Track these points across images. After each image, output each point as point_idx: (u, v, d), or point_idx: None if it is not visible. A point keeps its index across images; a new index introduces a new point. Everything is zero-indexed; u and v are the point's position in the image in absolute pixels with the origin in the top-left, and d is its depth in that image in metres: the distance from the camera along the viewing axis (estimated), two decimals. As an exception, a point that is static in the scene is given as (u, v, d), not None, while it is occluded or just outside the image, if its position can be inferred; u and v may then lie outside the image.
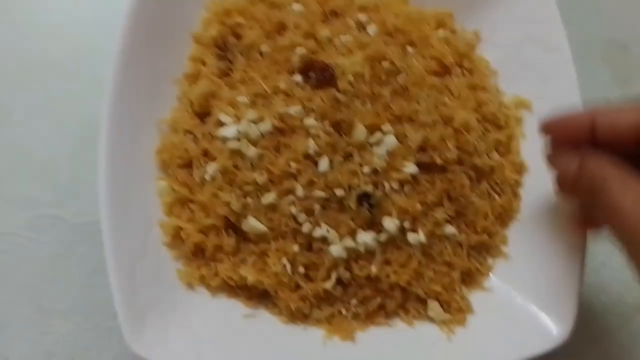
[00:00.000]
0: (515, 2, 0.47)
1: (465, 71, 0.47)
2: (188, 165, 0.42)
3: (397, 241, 0.41)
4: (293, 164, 0.40)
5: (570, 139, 0.37)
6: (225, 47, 0.44)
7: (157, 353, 0.37)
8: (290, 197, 0.40)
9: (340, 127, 0.41)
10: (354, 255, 0.41)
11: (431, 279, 0.42)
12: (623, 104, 0.36)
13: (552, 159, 0.39)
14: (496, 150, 0.46)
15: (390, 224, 0.41)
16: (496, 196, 0.45)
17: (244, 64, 0.44)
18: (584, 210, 0.40)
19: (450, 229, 0.43)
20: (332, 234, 0.40)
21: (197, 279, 0.41)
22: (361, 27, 0.46)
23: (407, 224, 0.41)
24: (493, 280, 0.44)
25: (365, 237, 0.40)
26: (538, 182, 0.46)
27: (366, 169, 0.41)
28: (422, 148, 0.42)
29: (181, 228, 0.41)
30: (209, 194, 0.41)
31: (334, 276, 0.41)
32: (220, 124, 0.41)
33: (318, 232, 0.40)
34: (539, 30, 0.46)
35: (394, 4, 0.48)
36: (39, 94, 0.51)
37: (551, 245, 0.43)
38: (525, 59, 0.47)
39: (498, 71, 0.48)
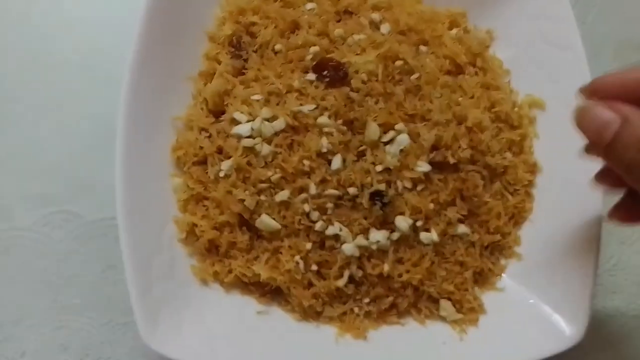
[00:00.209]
0: (528, 1, 0.47)
1: (478, 70, 0.47)
2: (203, 162, 0.43)
3: (409, 240, 0.42)
4: (306, 162, 0.40)
5: (617, 97, 0.32)
6: (239, 46, 0.45)
7: (171, 348, 0.38)
8: (304, 195, 0.40)
9: (353, 126, 0.42)
10: (366, 254, 0.41)
11: (444, 278, 0.42)
12: None
13: (587, 115, 0.33)
14: (509, 150, 0.46)
15: (402, 222, 0.41)
16: (509, 196, 0.45)
17: (258, 63, 0.44)
18: (612, 173, 0.36)
19: (462, 229, 0.43)
20: (344, 232, 0.40)
21: (211, 275, 0.41)
22: (374, 26, 0.46)
23: (419, 223, 0.41)
24: (506, 280, 0.44)
25: (378, 236, 0.41)
26: (551, 182, 0.46)
27: (379, 168, 0.41)
28: (435, 147, 0.42)
29: (195, 225, 0.41)
30: (223, 191, 0.41)
31: (346, 274, 0.41)
32: (235, 122, 0.42)
33: (331, 230, 0.40)
34: (552, 28, 0.46)
35: (407, 3, 0.48)
36: (54, 92, 0.52)
37: (564, 245, 0.43)
38: (538, 57, 0.47)
39: (511, 70, 0.48)
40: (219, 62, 0.45)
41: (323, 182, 0.41)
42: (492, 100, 0.46)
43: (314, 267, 0.41)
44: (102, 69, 0.51)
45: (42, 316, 0.47)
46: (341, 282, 0.41)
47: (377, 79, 0.42)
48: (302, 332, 0.41)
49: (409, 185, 0.41)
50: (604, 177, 0.38)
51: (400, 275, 0.41)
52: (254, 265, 0.41)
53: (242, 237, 0.41)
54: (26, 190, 0.49)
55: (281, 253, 0.41)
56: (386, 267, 0.41)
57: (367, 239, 0.41)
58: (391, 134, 0.41)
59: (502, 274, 0.44)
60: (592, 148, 0.36)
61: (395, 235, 0.41)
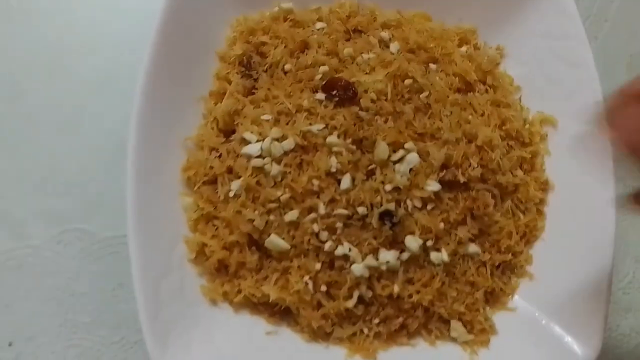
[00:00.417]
0: (539, 17, 0.47)
1: (488, 88, 0.47)
2: (213, 182, 0.43)
3: (419, 260, 0.41)
4: (315, 182, 0.40)
5: None
6: (249, 66, 0.45)
7: (180, 368, 0.38)
8: (313, 215, 0.40)
9: (363, 145, 0.42)
10: (376, 274, 0.41)
11: (454, 298, 0.42)
12: None
13: (621, 114, 0.32)
14: (520, 168, 0.45)
15: (412, 242, 0.40)
16: (520, 215, 0.45)
17: (268, 82, 0.44)
18: None
19: (473, 248, 0.42)
20: (354, 252, 0.40)
21: (220, 295, 0.41)
22: (384, 44, 0.46)
23: (429, 243, 0.41)
24: (517, 300, 0.44)
25: (388, 256, 0.40)
26: (563, 199, 0.45)
27: (388, 187, 0.41)
28: (445, 166, 0.42)
29: (205, 244, 0.41)
30: (233, 211, 0.41)
31: (355, 295, 0.41)
32: (245, 141, 0.42)
33: (340, 250, 0.40)
34: (563, 45, 0.46)
35: (416, 20, 0.48)
36: (68, 109, 0.52)
37: (577, 265, 0.42)
38: (549, 74, 0.47)
39: (522, 87, 0.48)
40: (230, 82, 0.45)
41: (332, 201, 0.40)
42: (503, 117, 0.46)
43: (323, 288, 0.40)
44: (118, 87, 0.52)
45: (53, 334, 0.47)
46: (351, 303, 0.40)
47: (387, 97, 0.42)
48: (312, 353, 0.41)
49: (418, 204, 0.41)
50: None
51: (410, 296, 0.41)
52: (263, 286, 0.41)
53: (252, 257, 0.41)
54: (40, 207, 0.50)
55: (290, 273, 0.41)
56: (396, 288, 0.41)
57: (377, 259, 0.40)
58: (401, 152, 0.41)
59: (514, 294, 0.44)
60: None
61: (405, 256, 0.41)
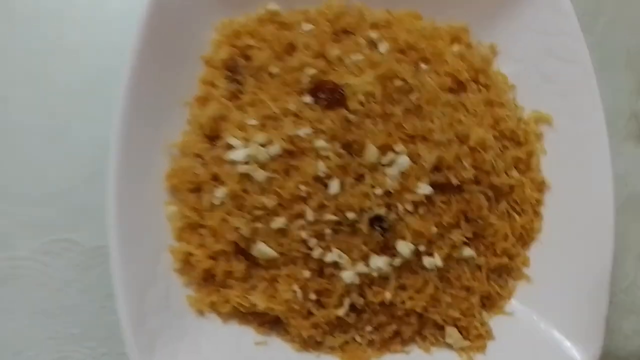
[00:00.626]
0: (532, 13, 0.46)
1: (481, 87, 0.46)
2: (198, 189, 0.42)
3: (412, 265, 0.40)
4: (303, 187, 0.39)
5: None
6: (235, 70, 0.44)
7: (166, 381, 0.37)
8: (301, 222, 0.39)
9: (352, 148, 0.40)
10: (367, 281, 0.40)
11: (449, 304, 0.41)
12: None
13: None
14: (515, 168, 0.44)
15: (404, 247, 0.39)
16: (516, 216, 0.43)
17: (253, 86, 0.43)
18: None
19: (468, 252, 0.41)
20: (344, 259, 0.39)
21: (207, 305, 0.41)
22: (372, 45, 0.45)
23: (422, 248, 0.40)
24: (514, 304, 0.43)
25: (379, 262, 0.39)
26: (560, 200, 0.44)
27: (378, 191, 0.40)
28: (436, 168, 0.41)
29: (191, 254, 0.40)
30: (218, 219, 0.40)
31: (346, 303, 0.40)
32: (230, 147, 0.41)
33: (329, 257, 0.39)
34: (557, 41, 0.45)
35: (406, 19, 0.47)
36: (55, 117, 0.51)
37: (575, 266, 0.41)
38: (544, 72, 0.45)
39: (516, 86, 0.47)
40: (215, 87, 0.44)
41: (321, 207, 0.39)
42: (496, 117, 0.44)
43: (313, 296, 0.39)
44: (104, 94, 0.51)
45: (42, 347, 0.46)
46: (342, 311, 0.39)
47: (376, 99, 0.41)
48: (302, 363, 0.40)
49: (410, 208, 0.40)
50: None
51: (403, 303, 0.40)
52: (251, 295, 0.40)
53: (239, 266, 0.40)
54: (25, 217, 0.49)
55: (278, 282, 0.40)
56: (388, 295, 0.39)
57: (368, 265, 0.39)
58: (391, 155, 0.40)
59: (511, 298, 0.43)
60: None
61: (397, 261, 0.40)
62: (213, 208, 0.40)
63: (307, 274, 0.39)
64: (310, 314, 0.40)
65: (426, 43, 0.45)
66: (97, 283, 0.47)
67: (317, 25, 0.45)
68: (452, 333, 0.41)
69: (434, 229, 0.40)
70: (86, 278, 0.48)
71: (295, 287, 0.39)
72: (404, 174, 0.40)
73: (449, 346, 0.41)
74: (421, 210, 0.40)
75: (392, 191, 0.40)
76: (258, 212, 0.39)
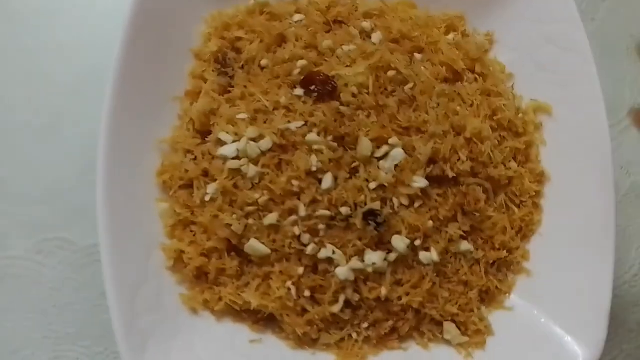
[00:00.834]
0: (530, 0, 0.45)
1: (477, 76, 0.44)
2: (189, 186, 0.41)
3: (408, 260, 0.39)
4: (295, 182, 0.38)
5: None
6: (225, 63, 0.43)
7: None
8: (293, 217, 0.38)
9: (345, 142, 0.40)
10: (362, 277, 0.39)
11: (446, 299, 0.40)
12: None
13: None
14: (514, 159, 0.43)
15: (399, 242, 0.38)
16: (515, 208, 0.42)
17: (244, 79, 0.42)
18: None
19: (465, 246, 0.40)
20: (338, 255, 0.38)
21: (200, 303, 0.40)
22: (365, 35, 0.44)
23: (418, 242, 0.39)
24: (514, 299, 0.42)
25: (374, 257, 0.38)
26: (560, 191, 0.43)
27: (373, 185, 0.39)
28: (432, 160, 0.40)
29: (183, 251, 0.40)
30: (210, 215, 0.39)
31: (341, 299, 0.39)
32: (221, 142, 0.40)
33: (323, 254, 0.38)
34: (556, 29, 0.44)
35: (400, 8, 0.46)
36: (48, 116, 0.51)
37: (577, 259, 0.40)
38: (542, 60, 0.44)
39: (514, 75, 0.46)
40: (205, 81, 0.43)
41: (313, 202, 0.39)
42: (494, 107, 0.43)
43: (307, 293, 0.39)
44: (98, 91, 0.50)
45: (37, 346, 0.46)
46: (336, 308, 0.39)
47: (368, 91, 0.40)
48: (298, 361, 0.39)
49: (405, 202, 0.39)
50: None
51: (399, 298, 0.39)
52: (244, 293, 0.39)
53: (231, 263, 0.39)
54: (19, 216, 0.48)
55: (272, 279, 0.39)
56: (384, 291, 0.39)
57: (363, 261, 0.39)
58: (385, 148, 0.39)
59: (511, 292, 0.42)
60: None
61: (393, 256, 0.39)
62: (204, 205, 0.40)
63: (300, 270, 0.39)
64: (304, 311, 0.39)
65: (420, 32, 0.44)
66: (92, 281, 0.47)
67: (308, 15, 0.44)
68: (450, 329, 0.40)
69: (430, 223, 0.39)
70: (80, 276, 0.47)
71: (289, 284, 0.38)
72: (398, 167, 0.39)
73: (448, 342, 0.40)
74: (417, 204, 0.39)
75: (386, 185, 0.39)
76: (250, 208, 0.39)
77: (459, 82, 0.44)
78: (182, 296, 0.40)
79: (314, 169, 0.39)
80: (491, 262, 0.41)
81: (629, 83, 0.53)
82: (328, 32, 0.44)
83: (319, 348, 0.40)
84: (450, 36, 0.45)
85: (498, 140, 0.43)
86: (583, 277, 0.40)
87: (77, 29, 0.53)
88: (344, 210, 0.38)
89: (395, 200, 0.39)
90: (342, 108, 0.40)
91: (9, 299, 0.47)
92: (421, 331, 0.41)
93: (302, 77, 0.41)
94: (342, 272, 0.38)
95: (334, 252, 0.38)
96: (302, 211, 0.38)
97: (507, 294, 0.42)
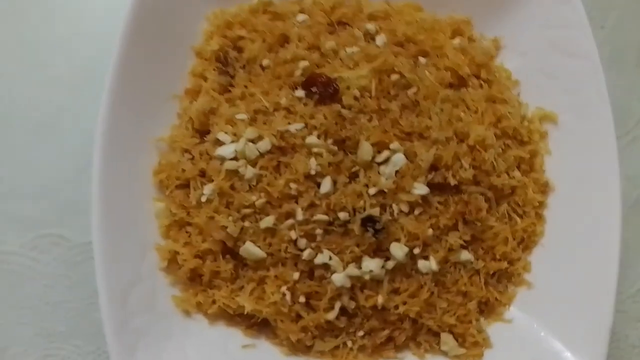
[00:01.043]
0: (538, 6, 0.44)
1: (483, 82, 0.44)
2: (186, 186, 0.41)
3: (406, 269, 0.39)
4: (293, 186, 0.38)
5: None
6: (226, 62, 0.42)
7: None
8: (290, 221, 0.38)
9: (345, 146, 0.39)
10: (359, 284, 0.38)
11: (444, 309, 0.39)
12: None
13: None
14: (518, 168, 0.43)
15: (398, 250, 0.38)
16: (518, 219, 0.42)
17: (245, 79, 0.42)
18: None
19: (465, 255, 0.39)
20: (334, 261, 0.38)
21: (193, 306, 0.39)
22: (369, 37, 0.43)
23: (417, 250, 0.38)
24: (514, 311, 0.41)
25: (371, 265, 0.38)
26: (565, 202, 0.42)
27: (372, 191, 0.38)
28: (433, 167, 0.39)
29: (177, 252, 0.39)
30: (205, 216, 0.39)
31: (337, 306, 0.38)
32: (219, 142, 0.39)
33: (320, 259, 0.38)
34: (564, 36, 0.43)
35: (406, 11, 0.45)
36: (47, 112, 0.50)
37: (579, 272, 0.39)
38: (550, 67, 0.44)
39: (520, 82, 0.45)
40: (206, 79, 0.43)
41: (311, 206, 0.38)
42: (498, 114, 0.42)
43: (302, 299, 0.38)
44: (95, 86, 0.50)
45: (28, 344, 0.45)
46: (332, 315, 0.38)
47: (371, 94, 0.40)
48: (291, 367, 0.39)
49: (405, 209, 0.38)
50: None
51: (396, 307, 0.38)
52: (238, 296, 0.38)
53: (226, 265, 0.39)
54: (14, 212, 0.48)
55: (266, 283, 0.38)
56: (380, 299, 0.38)
57: (360, 268, 0.38)
58: (386, 153, 0.39)
59: (510, 304, 0.41)
60: None
61: (390, 264, 0.38)
62: (200, 205, 0.39)
63: (296, 275, 0.38)
64: (299, 317, 0.38)
65: (426, 36, 0.43)
66: (86, 279, 0.46)
67: (311, 16, 0.43)
68: (447, 340, 0.39)
69: (430, 231, 0.38)
70: (74, 274, 0.47)
71: (284, 289, 0.38)
72: (399, 173, 0.38)
73: (444, 354, 0.40)
74: (417, 211, 0.39)
75: (386, 191, 0.38)
76: (246, 211, 0.38)
77: (464, 88, 0.43)
78: (175, 298, 0.39)
79: (312, 172, 0.38)
80: (491, 272, 0.41)
81: (638, 93, 0.52)
82: (332, 33, 0.43)
83: (313, 355, 0.39)
84: (456, 41, 0.45)
85: (502, 149, 0.42)
86: (585, 290, 0.39)
87: (77, 24, 0.52)
88: (342, 215, 0.38)
89: (395, 206, 0.38)
90: (344, 111, 0.39)
91: (1, 294, 0.46)
92: (418, 341, 0.40)
93: (303, 79, 0.40)
94: (339, 278, 0.38)
95: (330, 258, 0.38)
96: (300, 215, 0.38)
97: (507, 306, 0.41)
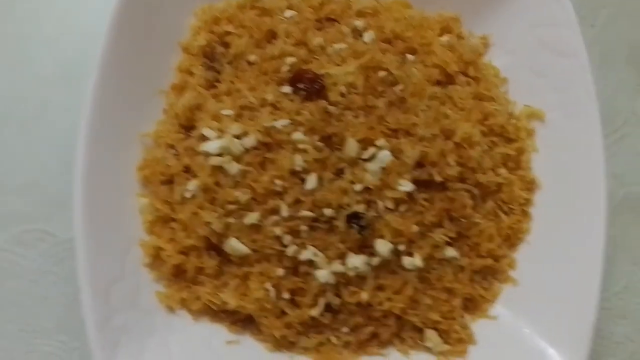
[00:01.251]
0: (527, 4, 0.44)
1: (470, 80, 0.44)
2: (171, 181, 0.40)
3: (391, 265, 0.39)
4: (278, 182, 0.38)
5: None
6: (213, 57, 0.42)
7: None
8: (275, 217, 0.38)
9: (331, 142, 0.39)
10: (343, 280, 0.38)
11: (429, 306, 0.39)
12: None
13: None
14: (504, 166, 0.43)
15: (383, 246, 0.38)
16: (503, 216, 0.42)
17: (231, 75, 0.42)
18: None
19: (450, 252, 0.40)
20: (319, 258, 0.38)
21: (177, 302, 0.39)
22: (357, 33, 0.43)
23: (402, 247, 0.38)
24: (498, 308, 0.41)
25: (356, 261, 0.38)
26: (551, 199, 0.42)
27: (358, 187, 0.38)
28: (419, 164, 0.39)
29: (161, 248, 0.39)
30: (190, 212, 0.38)
31: (321, 302, 0.38)
32: (204, 138, 0.39)
33: (304, 255, 0.38)
34: (553, 34, 0.43)
35: (394, 8, 0.45)
36: (32, 106, 0.50)
37: (565, 270, 0.40)
38: (538, 65, 0.44)
39: (508, 79, 0.45)
40: (192, 75, 0.42)
41: (296, 203, 0.38)
42: (485, 112, 0.42)
43: (287, 295, 0.38)
44: (81, 82, 0.49)
45: (13, 340, 0.45)
46: (316, 311, 0.38)
47: (357, 91, 0.39)
48: (275, 364, 0.39)
49: (390, 205, 0.38)
50: None
51: (380, 304, 0.38)
52: (222, 293, 0.38)
53: (210, 262, 0.39)
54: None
55: (251, 280, 0.38)
56: (365, 295, 0.38)
57: (344, 264, 0.38)
58: (372, 150, 0.39)
59: (495, 301, 0.41)
60: None
61: (375, 261, 0.38)
62: (185, 201, 0.39)
63: (280, 272, 0.38)
64: (283, 313, 0.38)
65: (414, 33, 0.43)
66: (71, 275, 0.45)
67: (299, 12, 0.43)
68: (431, 336, 0.39)
69: (415, 228, 0.38)
70: (60, 269, 0.46)
71: (268, 286, 0.38)
72: (385, 170, 0.38)
73: (428, 350, 0.40)
74: (402, 208, 0.39)
75: (372, 187, 0.38)
76: (231, 207, 0.38)
77: (451, 85, 0.43)
78: (159, 294, 0.39)
79: (298, 168, 0.38)
80: (476, 269, 0.41)
81: (627, 92, 0.52)
82: (319, 29, 0.43)
83: (297, 351, 0.39)
84: (445, 38, 0.45)
85: (489, 146, 0.42)
86: (570, 288, 0.39)
87: (62, 18, 0.52)
88: (328, 211, 0.38)
89: (380, 203, 0.38)
90: (330, 107, 0.39)
91: (-15, 289, 0.46)
92: (402, 337, 0.40)
93: (290, 75, 0.40)
94: (323, 275, 0.38)
95: (315, 254, 0.38)
96: (285, 211, 0.37)
97: (492, 303, 0.41)
